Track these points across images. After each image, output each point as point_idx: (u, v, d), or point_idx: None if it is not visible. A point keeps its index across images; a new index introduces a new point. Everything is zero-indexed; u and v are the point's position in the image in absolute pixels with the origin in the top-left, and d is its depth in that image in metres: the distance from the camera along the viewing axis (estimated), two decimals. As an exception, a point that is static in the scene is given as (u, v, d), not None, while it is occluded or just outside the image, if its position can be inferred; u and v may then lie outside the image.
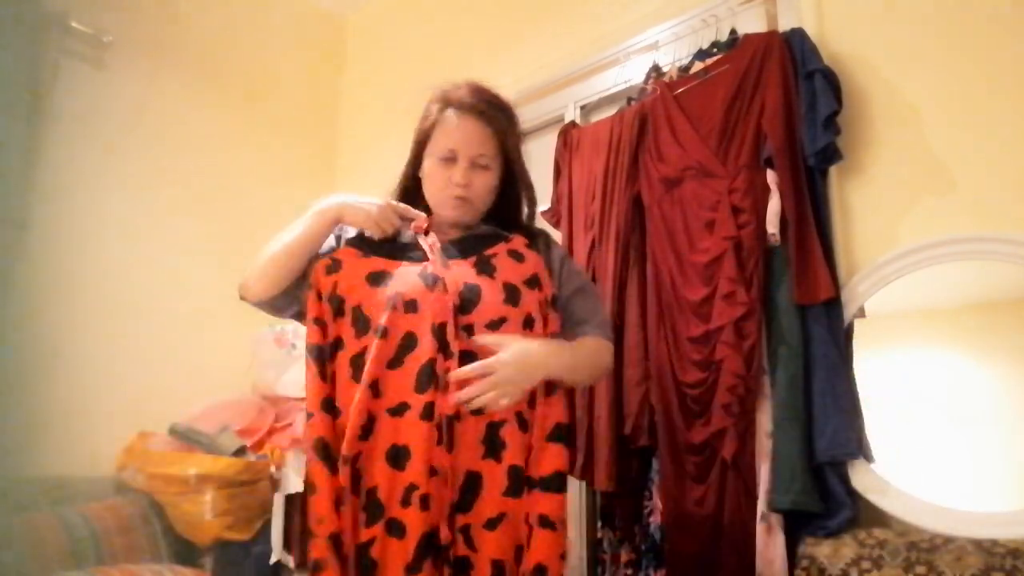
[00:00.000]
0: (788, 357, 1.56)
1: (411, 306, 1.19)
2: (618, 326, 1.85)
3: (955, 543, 1.34)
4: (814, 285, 1.55)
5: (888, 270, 1.58)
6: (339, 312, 1.23)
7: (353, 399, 1.15)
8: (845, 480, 1.50)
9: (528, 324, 1.24)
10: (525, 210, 1.40)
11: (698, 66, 1.90)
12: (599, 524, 1.91)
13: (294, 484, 2.17)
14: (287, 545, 2.16)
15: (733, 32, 1.89)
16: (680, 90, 1.89)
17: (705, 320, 1.68)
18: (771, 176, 1.64)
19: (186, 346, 2.57)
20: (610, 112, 2.13)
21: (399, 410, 1.15)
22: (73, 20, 2.41)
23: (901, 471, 1.50)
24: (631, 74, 2.16)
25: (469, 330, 1.19)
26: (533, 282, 1.27)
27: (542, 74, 2.41)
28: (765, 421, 1.58)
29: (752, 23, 1.89)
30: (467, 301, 1.20)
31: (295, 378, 2.43)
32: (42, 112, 2.23)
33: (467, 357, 1.16)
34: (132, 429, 2.31)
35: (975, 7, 1.59)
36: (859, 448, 1.50)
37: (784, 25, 1.81)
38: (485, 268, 1.26)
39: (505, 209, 1.37)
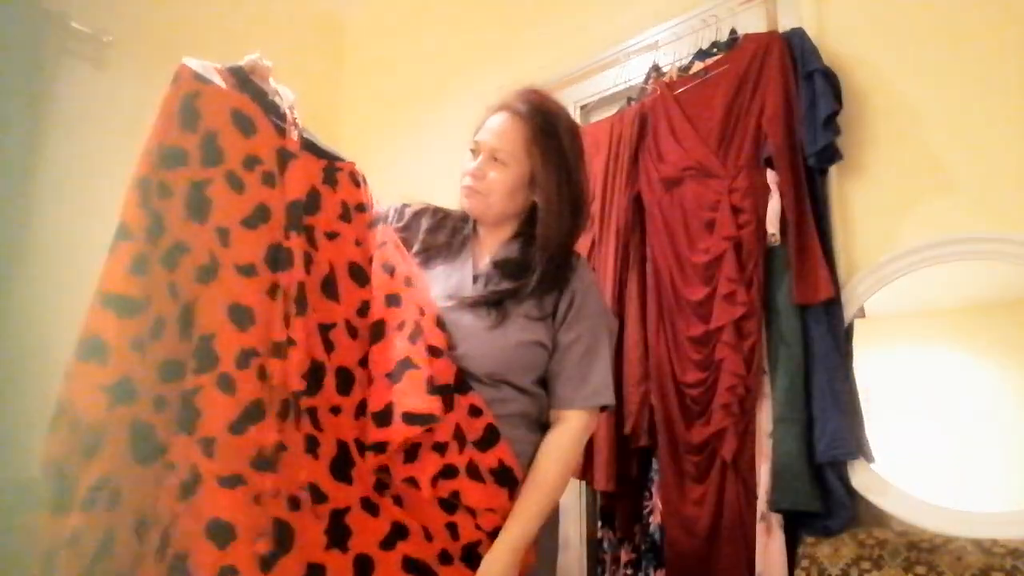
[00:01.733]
0: (788, 357, 1.56)
1: (267, 179, 1.16)
2: (618, 326, 1.85)
3: (955, 543, 1.34)
4: (814, 285, 1.55)
5: (888, 270, 1.58)
6: (190, 127, 1.12)
7: (183, 227, 1.09)
8: (845, 480, 1.50)
9: (357, 243, 1.24)
10: (561, 228, 1.30)
11: (698, 66, 1.90)
12: (599, 524, 1.91)
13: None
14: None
15: (733, 32, 1.89)
16: (680, 90, 1.89)
17: (705, 320, 1.68)
18: (771, 176, 1.64)
19: (186, 346, 2.57)
20: (610, 112, 2.13)
21: (247, 270, 1.10)
22: (73, 20, 2.40)
23: (901, 471, 1.50)
24: (631, 74, 2.16)
25: (309, 231, 1.20)
26: (361, 208, 1.28)
27: (542, 74, 2.40)
28: (765, 421, 1.58)
29: (752, 23, 1.89)
30: (311, 203, 1.22)
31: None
32: (42, 112, 2.24)
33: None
34: (132, 429, 2.30)
35: (975, 7, 1.59)
36: (859, 448, 1.50)
37: (784, 25, 1.81)
38: (330, 179, 1.26)
39: (536, 223, 1.30)
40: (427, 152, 2.82)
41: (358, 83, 3.35)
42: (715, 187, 1.74)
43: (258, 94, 1.22)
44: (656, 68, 2.04)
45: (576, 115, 2.32)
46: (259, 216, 1.14)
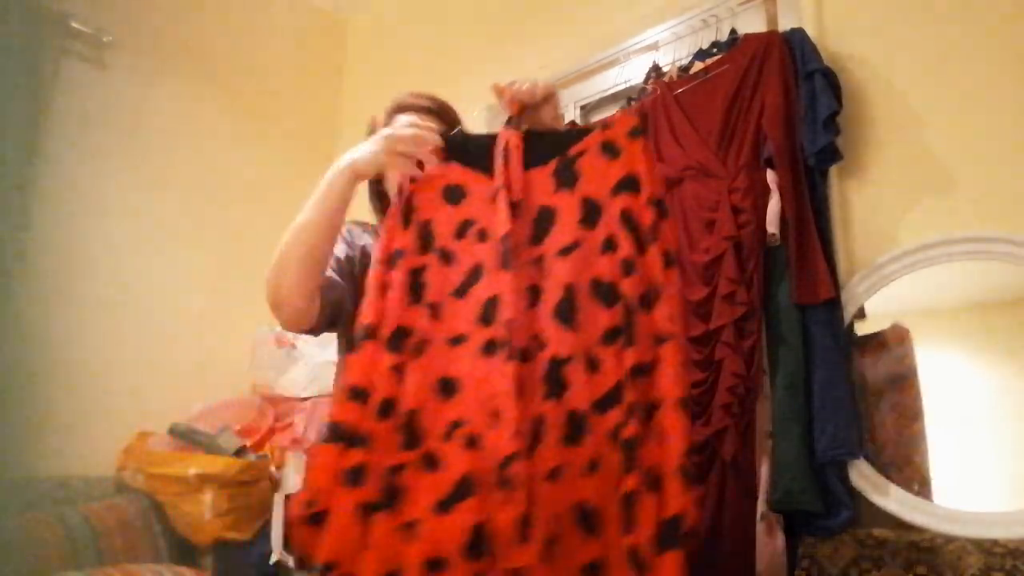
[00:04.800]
0: (788, 357, 1.56)
1: (481, 236, 1.09)
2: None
3: (955, 543, 1.34)
4: (814, 285, 1.55)
5: (888, 270, 1.58)
6: (406, 223, 1.13)
7: (404, 313, 1.07)
8: (845, 480, 1.50)
9: (606, 249, 1.06)
10: None
11: (698, 66, 1.90)
12: (599, 524, 1.91)
13: (294, 484, 2.17)
14: (287, 545, 2.16)
15: (733, 32, 1.89)
16: (680, 90, 1.89)
17: (705, 320, 1.68)
18: (771, 176, 1.64)
19: (186, 346, 2.58)
20: (610, 112, 2.13)
21: (455, 341, 1.05)
22: (73, 20, 2.41)
23: (901, 471, 1.50)
24: (631, 74, 2.16)
25: (541, 260, 1.07)
26: (624, 186, 1.08)
27: (542, 75, 2.38)
28: (765, 421, 1.57)
29: (752, 23, 1.89)
30: (540, 230, 1.09)
31: (295, 378, 2.43)
32: (42, 112, 2.24)
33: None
34: (132, 429, 2.31)
35: (975, 7, 1.59)
36: (859, 448, 1.50)
37: (784, 25, 1.81)
38: (566, 179, 1.11)
39: None
40: (427, 152, 2.82)
41: (358, 83, 3.35)
42: (715, 187, 1.73)
43: (470, 148, 1.17)
44: (656, 68, 2.04)
45: (576, 115, 2.32)
46: (473, 278, 1.08)
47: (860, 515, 1.50)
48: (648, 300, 1.03)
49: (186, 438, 2.24)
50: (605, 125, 1.13)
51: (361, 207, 1.39)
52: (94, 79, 2.49)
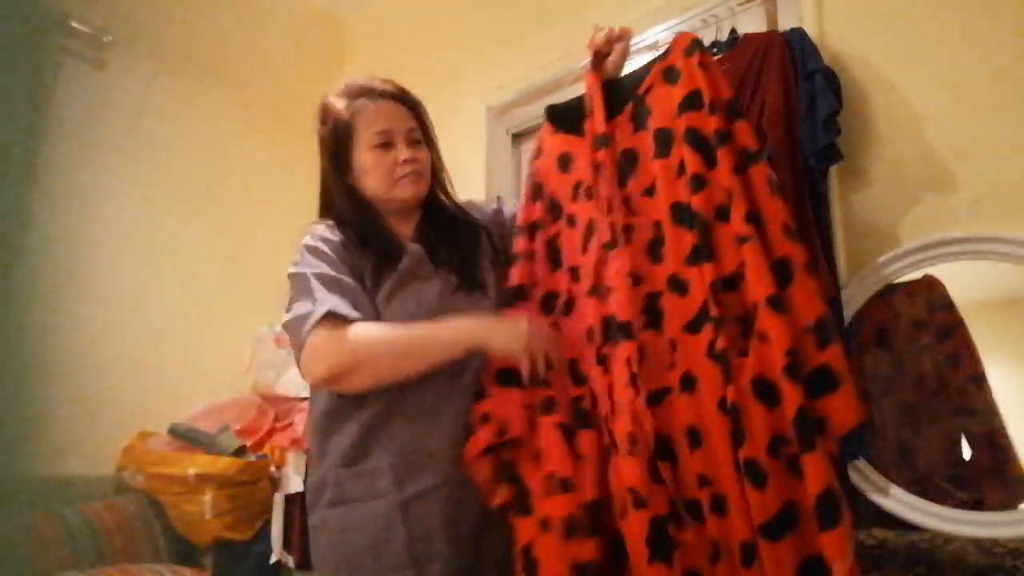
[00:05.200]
0: (788, 357, 1.56)
1: (589, 194, 1.18)
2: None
3: (955, 543, 1.34)
4: (814, 285, 1.55)
5: (888, 270, 1.58)
6: (537, 197, 1.25)
7: (549, 279, 1.19)
8: (845, 480, 1.50)
9: (680, 172, 1.11)
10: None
11: (698, 66, 1.90)
12: (599, 524, 1.91)
13: (294, 483, 2.17)
14: (287, 545, 2.16)
15: (733, 32, 1.89)
16: (680, 90, 1.89)
17: (705, 320, 1.68)
18: (771, 176, 1.64)
19: (186, 346, 2.57)
20: (610, 112, 2.13)
21: (594, 291, 1.13)
22: (73, 20, 2.41)
23: (901, 471, 1.50)
24: (631, 74, 2.16)
25: (628, 202, 1.15)
26: (687, 105, 1.12)
27: (541, 74, 2.41)
28: (765, 421, 1.57)
29: (752, 23, 1.89)
30: (624, 172, 1.17)
31: (295, 377, 2.43)
32: (42, 112, 2.23)
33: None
34: (132, 429, 2.31)
35: (975, 6, 1.59)
36: (860, 448, 1.50)
37: (784, 25, 1.81)
38: (640, 119, 1.18)
39: (439, 189, 1.37)
40: (427, 152, 2.81)
41: (358, 83, 3.34)
42: (715, 187, 1.73)
43: (569, 114, 1.27)
44: (656, 68, 2.04)
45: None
46: (590, 233, 1.17)
47: (860, 515, 1.49)
48: (724, 210, 1.06)
49: (186, 438, 2.24)
50: (663, 56, 1.17)
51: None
52: (94, 79, 2.49)
